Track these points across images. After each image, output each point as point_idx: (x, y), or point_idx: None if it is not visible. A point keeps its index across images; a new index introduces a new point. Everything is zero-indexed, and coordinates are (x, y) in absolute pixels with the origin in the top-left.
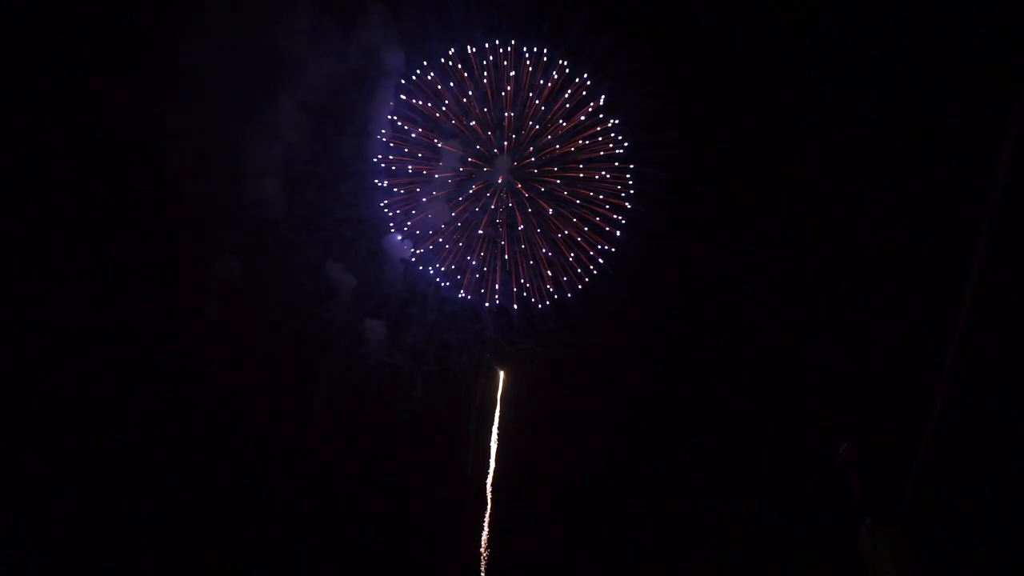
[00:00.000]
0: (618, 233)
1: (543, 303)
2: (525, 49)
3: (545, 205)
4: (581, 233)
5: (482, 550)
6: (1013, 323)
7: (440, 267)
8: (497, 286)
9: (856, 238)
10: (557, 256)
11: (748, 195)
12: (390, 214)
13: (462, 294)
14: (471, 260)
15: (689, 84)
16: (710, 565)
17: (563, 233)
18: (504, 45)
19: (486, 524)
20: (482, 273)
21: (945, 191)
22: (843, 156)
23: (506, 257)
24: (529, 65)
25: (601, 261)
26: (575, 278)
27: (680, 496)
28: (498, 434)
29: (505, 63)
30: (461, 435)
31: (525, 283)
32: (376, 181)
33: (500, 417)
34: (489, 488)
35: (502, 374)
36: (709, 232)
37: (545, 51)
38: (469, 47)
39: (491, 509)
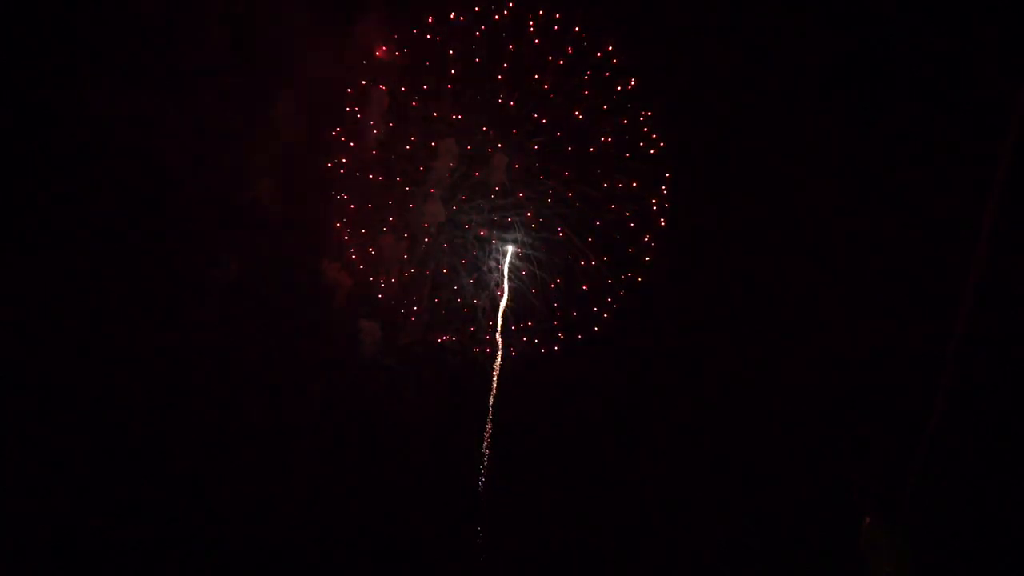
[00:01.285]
0: (646, 260)
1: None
2: (529, 17)
3: (551, 218)
4: (597, 259)
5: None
6: (1013, 323)
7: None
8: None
9: (856, 237)
10: (566, 284)
11: (753, 193)
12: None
13: (445, 337)
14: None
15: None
16: (709, 564)
17: (571, 256)
18: (499, 11)
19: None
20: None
21: (946, 190)
22: (848, 156)
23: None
24: (534, 36)
25: (622, 293)
26: (587, 316)
27: (679, 496)
28: (490, 433)
29: (504, 35)
30: (452, 436)
31: (526, 324)
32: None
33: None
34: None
35: (496, 375)
36: (720, 231)
37: (557, 17)
38: (455, 15)
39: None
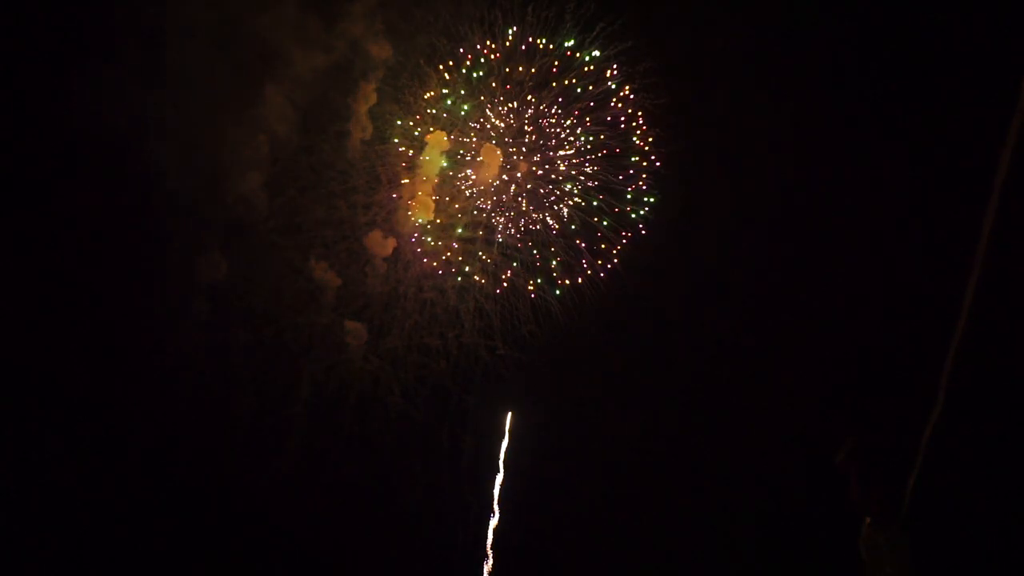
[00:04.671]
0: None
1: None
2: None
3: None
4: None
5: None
6: (1013, 323)
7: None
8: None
9: (856, 235)
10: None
11: (748, 190)
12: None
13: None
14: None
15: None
16: (709, 564)
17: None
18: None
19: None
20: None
21: (946, 190)
22: (845, 153)
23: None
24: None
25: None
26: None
27: (678, 495)
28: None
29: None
30: (443, 443)
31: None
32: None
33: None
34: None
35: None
36: (709, 228)
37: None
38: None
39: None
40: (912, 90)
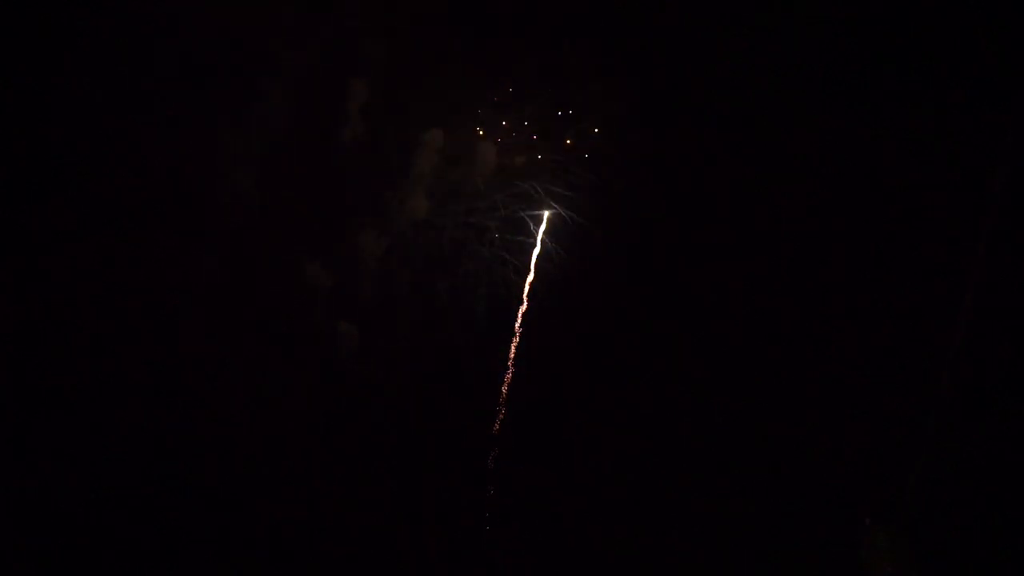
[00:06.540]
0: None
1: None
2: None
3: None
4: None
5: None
6: (1013, 323)
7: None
8: None
9: (855, 236)
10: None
11: (746, 192)
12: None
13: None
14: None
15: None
16: (709, 564)
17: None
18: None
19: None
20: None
21: (946, 190)
22: (844, 153)
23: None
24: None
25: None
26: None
27: (678, 496)
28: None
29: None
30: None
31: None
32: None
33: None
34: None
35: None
36: (706, 231)
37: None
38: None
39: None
40: (921, 91)
